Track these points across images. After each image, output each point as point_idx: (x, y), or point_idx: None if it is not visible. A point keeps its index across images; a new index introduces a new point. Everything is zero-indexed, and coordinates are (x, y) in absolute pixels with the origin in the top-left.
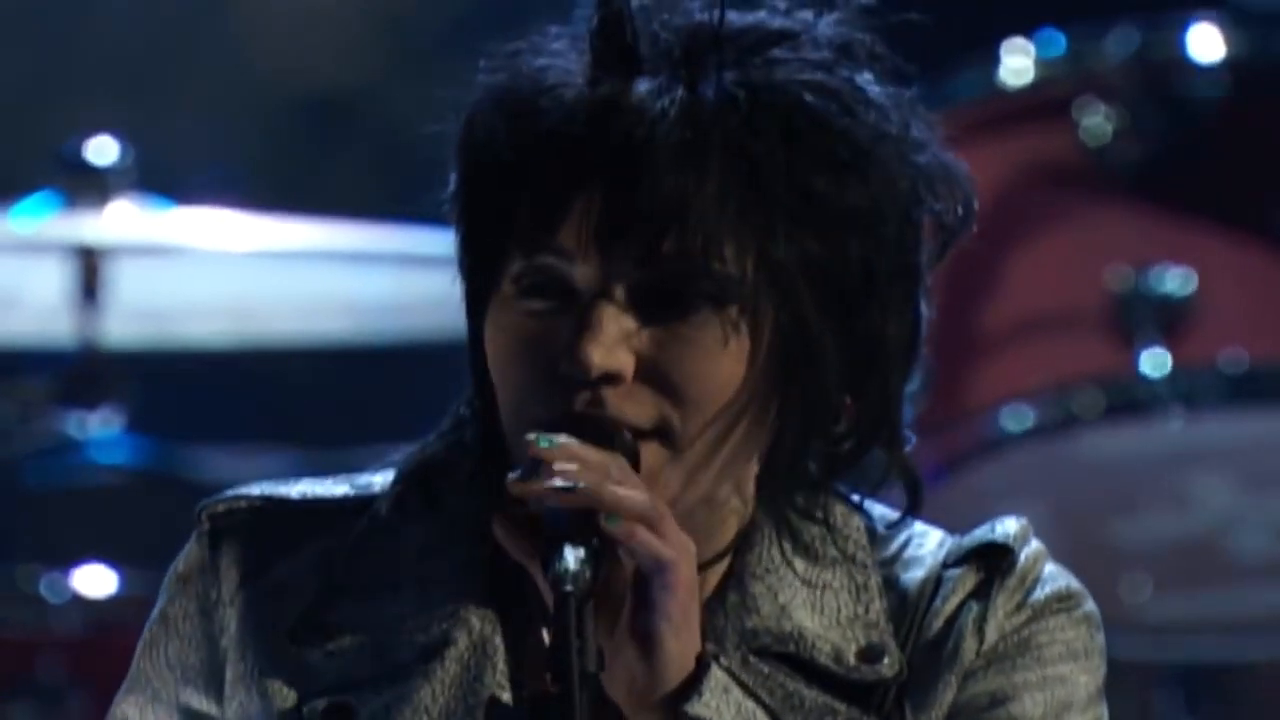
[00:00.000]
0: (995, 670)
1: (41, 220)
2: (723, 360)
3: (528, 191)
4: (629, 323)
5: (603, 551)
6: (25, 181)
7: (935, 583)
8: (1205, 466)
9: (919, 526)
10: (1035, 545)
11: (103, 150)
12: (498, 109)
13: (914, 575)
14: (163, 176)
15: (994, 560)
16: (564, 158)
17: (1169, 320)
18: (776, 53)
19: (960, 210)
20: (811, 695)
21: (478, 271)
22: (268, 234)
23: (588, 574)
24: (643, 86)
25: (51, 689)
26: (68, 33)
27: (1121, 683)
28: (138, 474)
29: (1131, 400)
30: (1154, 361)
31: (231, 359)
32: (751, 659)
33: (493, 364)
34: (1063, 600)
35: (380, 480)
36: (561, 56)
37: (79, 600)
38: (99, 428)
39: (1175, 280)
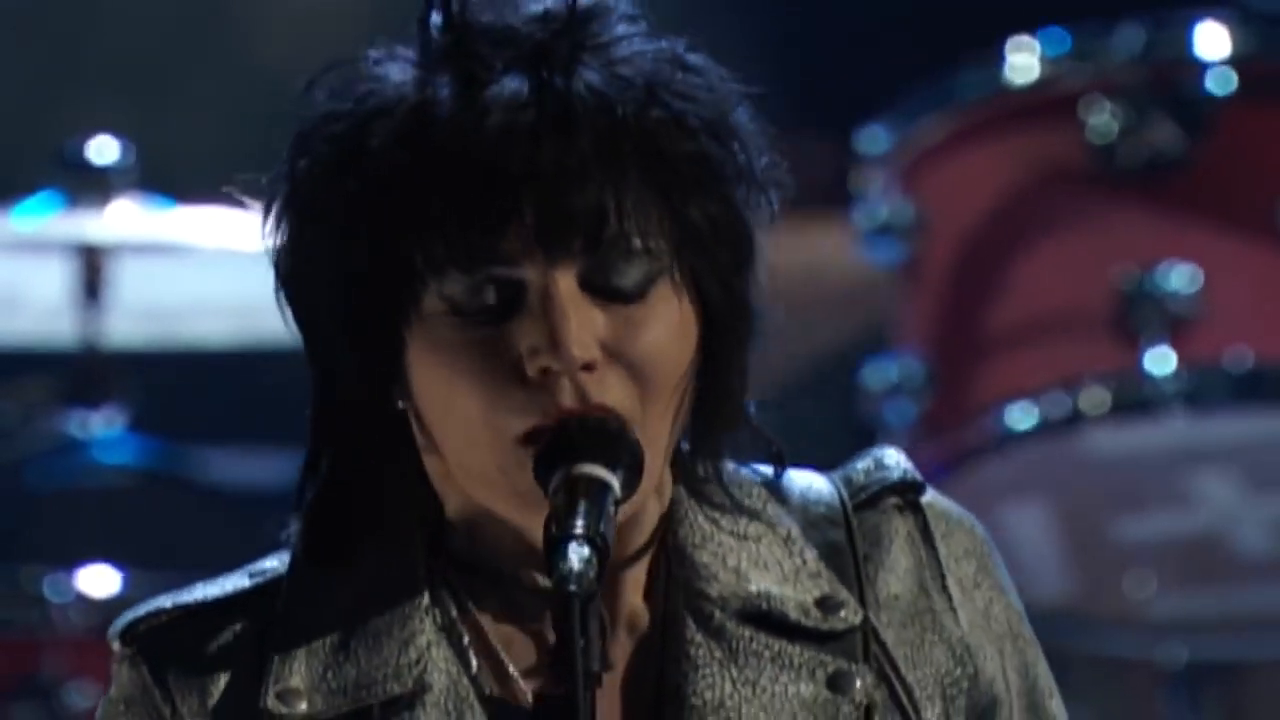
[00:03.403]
0: (1003, 651)
1: (44, 220)
2: (675, 333)
3: (456, 208)
4: (588, 310)
5: (606, 550)
6: (27, 181)
7: (849, 526)
8: (1210, 465)
9: (796, 475)
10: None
11: (104, 149)
12: (385, 135)
13: (824, 522)
14: (165, 175)
15: (907, 496)
16: (492, 171)
17: (1174, 319)
18: (621, 29)
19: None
20: (796, 651)
21: (388, 301)
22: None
23: (591, 573)
24: (514, 82)
25: (55, 689)
26: (70, 32)
27: (1125, 680)
28: (140, 474)
29: (1136, 399)
30: (1159, 360)
31: (234, 358)
32: (729, 625)
33: (433, 386)
34: (983, 542)
35: (277, 563)
36: (401, 73)
37: (82, 600)
38: (102, 427)
39: (1181, 279)
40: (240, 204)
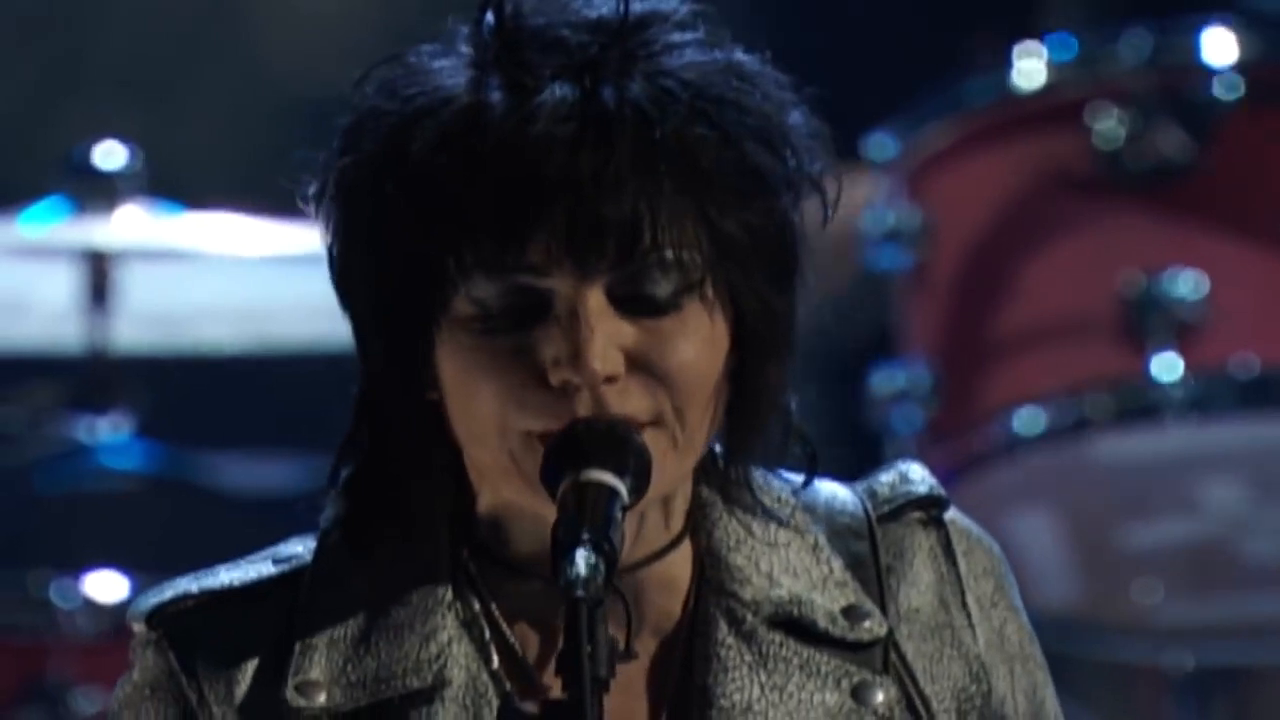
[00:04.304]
0: (1014, 672)
1: (51, 225)
2: (704, 346)
3: (487, 215)
4: (614, 322)
5: (614, 556)
6: (35, 187)
7: (873, 538)
8: (1216, 471)
9: (821, 484)
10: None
11: (112, 155)
12: (427, 137)
13: (849, 533)
14: (172, 181)
15: (931, 511)
16: (523, 177)
17: (1180, 325)
18: (674, 37)
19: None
20: (823, 659)
21: (418, 300)
22: (277, 238)
23: (599, 579)
24: (561, 91)
25: (61, 694)
26: (77, 38)
27: (1132, 687)
28: (147, 479)
29: (1143, 405)
30: (1165, 366)
31: (241, 364)
32: (760, 629)
33: (456, 384)
34: (1001, 562)
35: (303, 549)
36: (452, 74)
37: (89, 605)
38: (109, 433)
39: (1187, 285)
40: (259, 207)
